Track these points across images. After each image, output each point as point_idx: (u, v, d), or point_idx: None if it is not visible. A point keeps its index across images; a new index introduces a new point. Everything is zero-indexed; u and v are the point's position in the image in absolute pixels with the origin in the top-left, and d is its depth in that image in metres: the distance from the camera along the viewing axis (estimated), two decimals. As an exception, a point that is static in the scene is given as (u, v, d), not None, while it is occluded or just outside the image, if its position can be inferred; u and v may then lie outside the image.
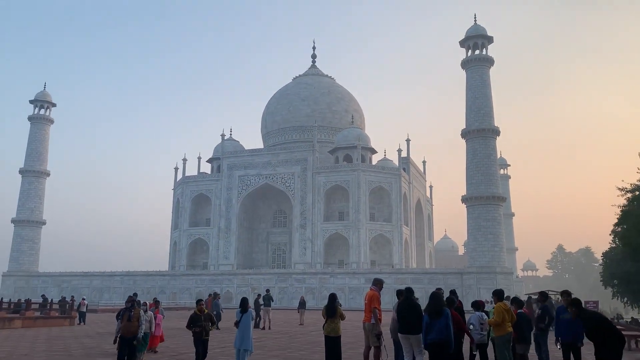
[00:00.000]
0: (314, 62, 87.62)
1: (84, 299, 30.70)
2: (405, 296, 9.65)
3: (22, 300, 30.37)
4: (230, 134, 78.62)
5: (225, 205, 70.94)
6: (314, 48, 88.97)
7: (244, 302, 11.13)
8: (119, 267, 71.35)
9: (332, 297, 10.93)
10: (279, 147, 73.52)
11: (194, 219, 73.92)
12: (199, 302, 11.45)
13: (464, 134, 56.51)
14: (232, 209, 70.57)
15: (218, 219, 70.86)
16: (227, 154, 72.71)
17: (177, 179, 77.26)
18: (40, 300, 32.36)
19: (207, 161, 78.54)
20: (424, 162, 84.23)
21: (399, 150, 69.92)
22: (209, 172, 77.69)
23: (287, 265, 70.01)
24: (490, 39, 58.26)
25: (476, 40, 57.90)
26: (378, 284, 10.78)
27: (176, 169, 77.85)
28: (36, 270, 70.97)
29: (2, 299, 30.37)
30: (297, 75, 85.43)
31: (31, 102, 74.86)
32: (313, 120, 75.04)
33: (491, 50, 58.84)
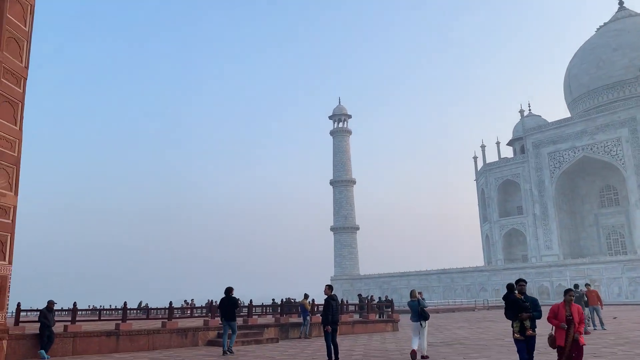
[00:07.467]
0: (621, 2, 71.63)
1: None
2: None
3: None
4: (529, 110, 69.85)
5: (537, 189, 62.49)
6: (618, -14, 72.80)
7: None
8: (432, 266, 69.87)
9: None
10: (593, 112, 61.38)
11: (503, 209, 67.41)
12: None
13: None
14: (546, 192, 61.66)
15: (531, 206, 62.84)
16: (530, 131, 64.28)
17: (478, 169, 72.11)
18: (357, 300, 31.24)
19: (507, 144, 71.39)
20: None
21: None
22: (510, 156, 70.26)
23: (629, 251, 57.11)
24: None
25: None
26: None
27: (475, 158, 72.84)
28: (358, 273, 74.97)
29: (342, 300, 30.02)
30: (602, 24, 71.00)
31: (330, 117, 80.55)
32: (634, 71, 60.58)
33: None
